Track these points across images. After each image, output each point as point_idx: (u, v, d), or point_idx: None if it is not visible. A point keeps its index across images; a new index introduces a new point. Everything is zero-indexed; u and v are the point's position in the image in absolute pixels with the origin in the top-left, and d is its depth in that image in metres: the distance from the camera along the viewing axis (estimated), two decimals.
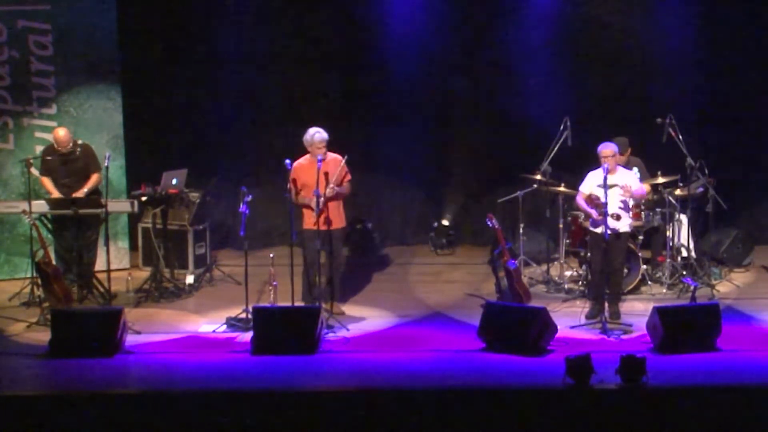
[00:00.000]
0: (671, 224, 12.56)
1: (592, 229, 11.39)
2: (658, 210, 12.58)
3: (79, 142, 12.49)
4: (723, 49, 14.18)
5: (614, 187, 11.17)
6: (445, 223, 14.88)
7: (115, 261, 12.53)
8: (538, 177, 12.71)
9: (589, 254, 11.71)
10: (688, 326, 10.30)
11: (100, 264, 12.39)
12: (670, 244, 12.55)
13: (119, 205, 12.56)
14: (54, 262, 12.03)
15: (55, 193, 12.29)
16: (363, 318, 11.64)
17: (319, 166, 11.11)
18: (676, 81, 14.19)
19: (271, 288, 11.53)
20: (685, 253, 12.79)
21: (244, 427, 9.09)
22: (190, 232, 13.35)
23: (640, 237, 12.54)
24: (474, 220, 14.73)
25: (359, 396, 9.34)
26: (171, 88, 14.46)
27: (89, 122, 13.43)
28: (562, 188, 12.61)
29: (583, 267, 12.43)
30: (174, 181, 12.80)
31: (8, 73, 13.27)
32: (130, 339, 10.70)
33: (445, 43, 14.59)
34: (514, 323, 10.40)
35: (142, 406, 9.24)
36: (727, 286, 12.69)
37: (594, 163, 11.43)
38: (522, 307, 11.07)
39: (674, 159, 12.58)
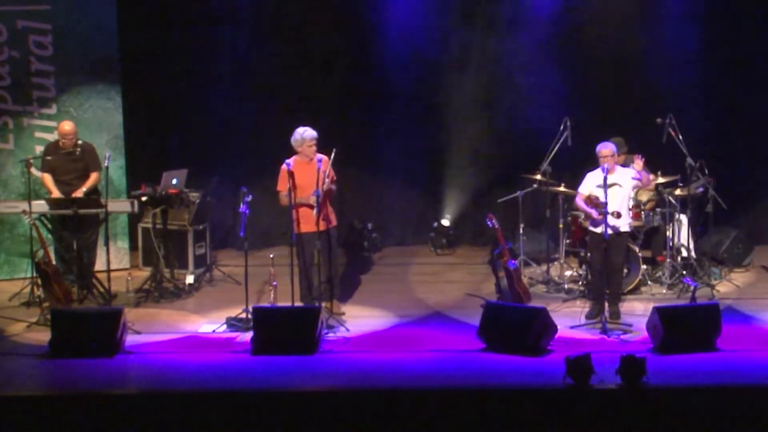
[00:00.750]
0: (671, 224, 12.56)
1: (591, 229, 11.40)
2: (658, 210, 12.58)
3: (80, 141, 12.49)
4: (723, 48, 14.19)
5: (614, 187, 11.17)
6: (445, 223, 14.88)
7: (115, 261, 12.53)
8: (538, 177, 12.71)
9: (588, 254, 11.71)
10: (688, 326, 10.30)
11: (100, 264, 12.39)
12: (670, 244, 12.55)
13: (119, 205, 12.56)
14: (54, 262, 12.04)
15: (56, 192, 12.30)
16: (363, 318, 11.63)
17: (319, 166, 11.10)
18: (676, 80, 14.19)
19: (271, 288, 11.53)
20: (685, 253, 12.79)
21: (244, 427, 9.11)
22: (190, 232, 13.35)
23: (640, 237, 12.54)
24: (474, 220, 14.74)
25: (359, 396, 9.33)
26: (171, 88, 14.46)
27: (89, 122, 13.43)
28: (562, 188, 12.62)
29: (583, 267, 12.43)
30: (174, 181, 12.80)
31: (8, 73, 13.27)
32: (130, 339, 10.70)
33: (445, 43, 14.58)
34: (514, 323, 10.40)
35: (142, 406, 9.23)
36: (727, 286, 12.69)
37: (593, 163, 11.43)
38: (522, 307, 11.07)
39: (674, 159, 12.58)
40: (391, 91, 14.70)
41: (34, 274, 11.94)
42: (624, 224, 11.34)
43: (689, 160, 12.44)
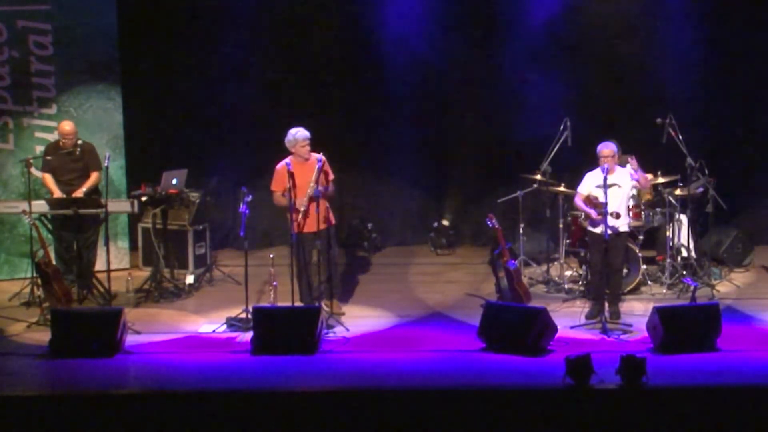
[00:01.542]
0: (671, 224, 12.56)
1: (591, 229, 11.39)
2: (658, 210, 12.58)
3: (80, 141, 12.49)
4: (723, 48, 14.18)
5: (613, 187, 11.17)
6: (445, 223, 14.88)
7: (115, 261, 12.52)
8: (538, 177, 12.71)
9: (588, 254, 11.71)
10: (688, 326, 10.30)
11: (100, 264, 12.39)
12: (670, 244, 12.55)
13: (119, 205, 12.56)
14: (54, 262, 12.03)
15: (56, 191, 12.30)
16: (363, 318, 11.63)
17: (319, 166, 11.09)
18: (676, 81, 14.18)
19: (271, 288, 11.54)
20: (685, 253, 12.79)
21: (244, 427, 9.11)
22: (190, 232, 13.35)
23: (640, 237, 12.55)
24: (474, 220, 14.74)
25: (359, 396, 9.33)
26: (171, 87, 14.45)
27: (89, 122, 13.43)
28: (562, 188, 12.62)
29: (583, 267, 12.43)
30: (174, 181, 12.80)
31: (8, 73, 13.27)
32: (130, 339, 10.70)
33: (445, 43, 14.58)
34: (514, 323, 10.40)
35: (142, 406, 9.23)
36: (727, 286, 12.69)
37: (593, 163, 11.43)
38: (522, 307, 11.07)
39: (674, 159, 12.58)
40: (391, 91, 14.69)
41: (34, 274, 11.94)
42: (623, 224, 11.34)
43: (689, 160, 12.44)
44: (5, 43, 13.20)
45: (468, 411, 9.10)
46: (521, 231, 12.99)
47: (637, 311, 11.58)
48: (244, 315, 11.17)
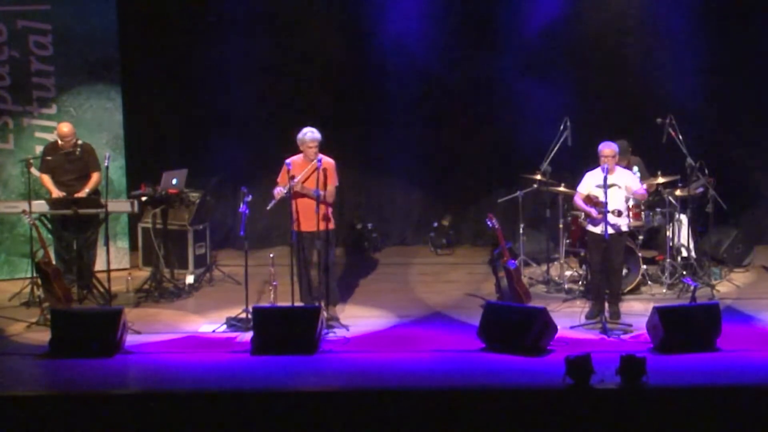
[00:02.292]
0: (671, 224, 12.56)
1: (590, 229, 11.39)
2: (658, 210, 12.58)
3: (80, 141, 12.49)
4: (723, 48, 14.19)
5: (613, 187, 11.16)
6: (445, 223, 14.88)
7: (115, 261, 12.52)
8: (538, 177, 12.71)
9: (587, 254, 11.71)
10: (688, 326, 10.30)
11: (100, 264, 12.39)
12: (670, 244, 12.55)
13: (119, 205, 12.56)
14: (54, 262, 12.03)
15: (55, 192, 12.30)
16: (363, 318, 11.63)
17: (319, 166, 11.08)
18: (676, 81, 14.18)
19: (271, 288, 11.53)
20: (685, 253, 12.79)
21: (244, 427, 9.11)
22: (190, 232, 13.35)
23: (640, 237, 12.55)
24: (474, 220, 14.74)
25: (359, 396, 9.33)
26: (171, 87, 14.46)
27: (89, 122, 13.43)
28: (562, 188, 12.61)
29: (583, 267, 12.43)
30: (174, 181, 12.80)
31: (8, 73, 13.27)
32: (130, 339, 10.70)
33: (445, 43, 14.59)
34: (514, 323, 10.40)
35: (142, 406, 9.22)
36: (727, 286, 12.70)
37: (593, 163, 11.43)
38: (522, 307, 11.06)
39: (674, 159, 12.59)
40: (392, 91, 14.70)
41: (34, 274, 11.94)
42: (623, 224, 11.34)
43: (689, 160, 12.44)
44: (5, 43, 13.21)
45: (468, 411, 9.10)
46: (521, 231, 12.99)
47: (637, 311, 11.58)
48: (244, 315, 11.17)
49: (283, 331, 10.45)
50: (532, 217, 13.52)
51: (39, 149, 12.98)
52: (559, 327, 10.53)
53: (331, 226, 11.36)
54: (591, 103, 14.24)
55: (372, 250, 14.74)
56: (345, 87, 14.71)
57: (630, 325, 11.03)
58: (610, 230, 11.01)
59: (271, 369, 10.00)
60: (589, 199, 11.30)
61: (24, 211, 11.86)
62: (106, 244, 11.91)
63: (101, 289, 12.10)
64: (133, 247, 13.86)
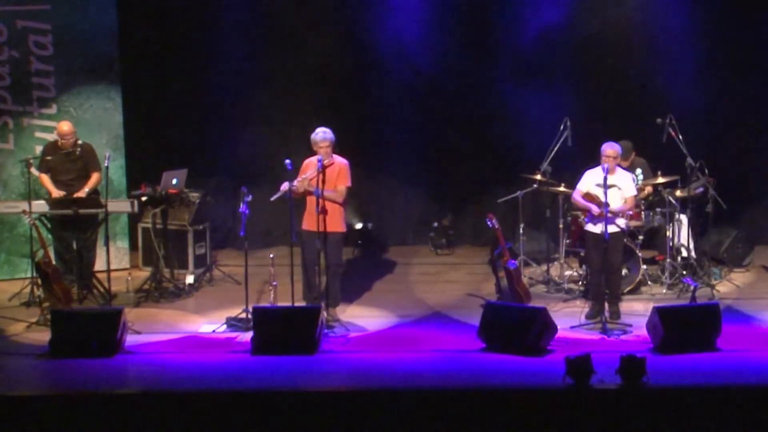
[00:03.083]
0: (671, 224, 12.56)
1: (589, 229, 11.37)
2: (658, 210, 12.58)
3: (80, 141, 12.49)
4: (723, 48, 14.19)
5: (612, 188, 11.15)
6: (445, 223, 14.88)
7: (115, 261, 12.53)
8: (538, 177, 12.72)
9: (586, 254, 11.71)
10: (688, 326, 10.29)
11: (100, 264, 12.39)
12: (670, 244, 12.55)
13: (119, 205, 12.56)
14: (54, 262, 12.03)
15: (54, 191, 12.30)
16: (363, 318, 11.63)
17: (319, 166, 11.08)
18: (677, 81, 14.18)
19: (271, 288, 11.53)
20: (685, 253, 12.79)
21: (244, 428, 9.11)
22: (190, 232, 13.35)
23: (640, 237, 12.54)
24: (474, 220, 14.74)
25: (359, 396, 9.33)
26: (171, 88, 14.46)
27: (89, 122, 13.43)
28: (562, 188, 12.62)
29: (583, 267, 12.43)
30: (174, 181, 12.80)
31: (8, 73, 13.27)
32: (130, 339, 10.69)
33: (445, 44, 14.59)
34: (514, 323, 10.40)
35: (142, 406, 9.22)
36: (727, 286, 12.70)
37: (593, 163, 11.42)
38: (522, 307, 11.07)
39: (674, 159, 12.58)
40: (392, 91, 14.70)
41: (34, 274, 11.94)
42: (621, 224, 11.34)
43: (689, 160, 12.44)
44: (5, 43, 13.21)
45: (468, 411, 9.10)
46: (521, 231, 12.99)
47: (637, 311, 11.58)
48: (244, 315, 11.16)
49: (283, 331, 10.45)
50: (532, 217, 13.51)
51: (39, 149, 12.98)
52: (559, 327, 10.53)
53: (340, 228, 11.34)
54: (591, 103, 14.24)
55: (372, 250, 14.73)
56: (345, 87, 14.70)
57: (630, 325, 11.03)
58: (610, 230, 11.01)
59: (271, 369, 10.00)
60: (589, 197, 11.29)
61: (24, 211, 11.86)
62: (106, 244, 11.90)
63: (101, 289, 12.09)
64: (133, 247, 13.86)
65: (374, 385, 9.61)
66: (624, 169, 11.75)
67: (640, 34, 14.33)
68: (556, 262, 12.95)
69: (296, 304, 11.19)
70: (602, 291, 11.31)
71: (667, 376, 9.47)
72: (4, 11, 13.13)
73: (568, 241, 12.75)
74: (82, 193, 12.24)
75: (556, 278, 12.72)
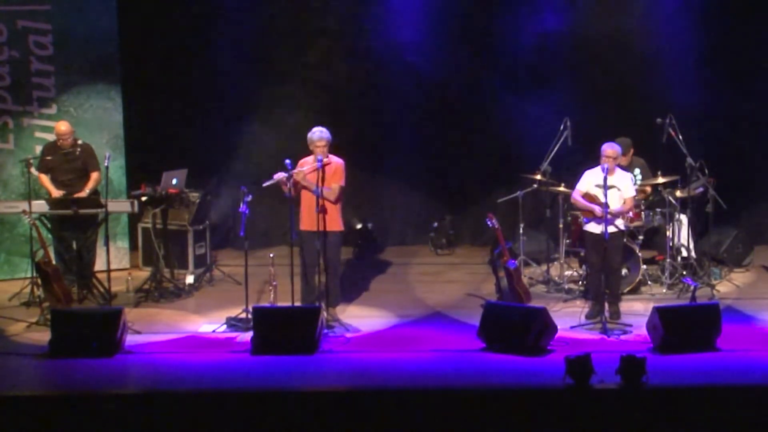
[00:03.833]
0: (671, 224, 12.56)
1: (589, 229, 11.37)
2: (658, 210, 12.57)
3: (80, 141, 12.50)
4: (723, 48, 14.18)
5: (612, 189, 11.15)
6: (445, 223, 14.87)
7: (115, 261, 12.52)
8: (538, 177, 12.71)
9: (586, 255, 11.70)
10: (688, 326, 10.30)
11: (100, 264, 12.39)
12: (670, 244, 12.55)
13: (119, 205, 12.56)
14: (54, 262, 12.03)
15: (53, 191, 12.30)
16: (363, 318, 11.63)
17: (319, 165, 11.08)
18: (676, 81, 14.18)
19: (271, 288, 11.53)
20: (685, 253, 12.78)
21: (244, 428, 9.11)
22: (190, 232, 13.35)
23: (640, 237, 12.54)
24: (474, 220, 14.73)
25: (359, 396, 9.33)
26: (171, 88, 14.45)
27: (89, 122, 13.43)
28: (562, 188, 12.61)
29: (583, 267, 12.43)
30: (174, 181, 12.80)
31: (8, 73, 13.27)
32: (130, 339, 10.70)
33: (445, 44, 14.58)
34: (514, 323, 10.40)
35: (142, 406, 9.23)
36: (727, 286, 12.70)
37: (593, 162, 11.42)
38: (522, 307, 11.07)
39: (674, 159, 12.58)
40: (392, 91, 14.69)
41: (34, 274, 11.94)
42: (620, 224, 11.33)
43: (689, 160, 12.44)
44: (5, 43, 13.21)
45: (468, 411, 9.10)
46: (521, 231, 12.99)
47: (637, 311, 11.58)
48: (244, 315, 11.17)
49: (283, 331, 10.45)
50: (532, 217, 13.51)
51: (39, 149, 12.97)
52: (559, 327, 10.53)
53: (337, 227, 11.33)
54: (591, 103, 14.23)
55: (372, 250, 14.73)
56: (345, 87, 14.69)
57: (630, 325, 11.02)
58: (609, 230, 11.01)
59: (271, 369, 10.00)
60: (589, 197, 11.29)
61: (24, 211, 11.86)
62: (106, 244, 11.90)
63: (101, 289, 12.09)
64: (133, 247, 13.85)
65: (374, 385, 9.62)
66: (623, 168, 11.74)
67: (640, 35, 14.30)
68: (556, 262, 12.95)
69: (296, 304, 11.19)
70: (602, 291, 11.31)
71: (667, 376, 9.47)
72: (4, 11, 13.12)
73: (568, 241, 12.75)
74: (82, 194, 12.25)
75: (556, 278, 12.72)
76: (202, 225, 13.49)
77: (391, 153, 14.87)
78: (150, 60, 14.31)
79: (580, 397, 9.19)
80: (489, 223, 12.00)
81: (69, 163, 12.37)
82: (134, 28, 13.98)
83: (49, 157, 12.40)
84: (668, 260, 12.47)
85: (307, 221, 11.27)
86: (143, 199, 12.59)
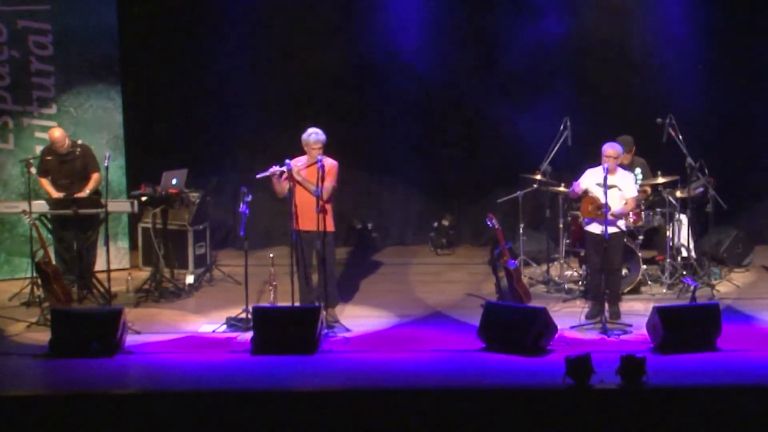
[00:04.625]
0: (671, 224, 12.56)
1: (589, 229, 11.36)
2: (658, 210, 12.58)
3: (79, 142, 12.50)
4: (723, 48, 14.19)
5: (612, 189, 11.14)
6: (445, 223, 14.87)
7: (115, 261, 12.52)
8: (538, 177, 12.71)
9: (586, 255, 11.70)
10: (688, 326, 10.29)
11: (100, 264, 12.39)
12: (670, 244, 12.55)
13: (119, 205, 12.56)
14: (54, 262, 12.03)
15: (54, 194, 12.29)
16: (363, 318, 11.63)
17: (319, 166, 11.07)
18: (676, 81, 14.18)
19: (271, 288, 11.53)
20: (685, 253, 12.79)
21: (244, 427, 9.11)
22: (190, 232, 13.35)
23: (640, 237, 12.54)
24: (474, 220, 14.74)
25: (359, 396, 9.33)
26: (171, 87, 14.46)
27: (89, 122, 13.43)
28: (562, 188, 12.61)
29: (583, 267, 12.43)
30: (174, 181, 12.80)
31: (8, 73, 13.27)
32: (130, 339, 10.70)
33: (445, 44, 14.58)
34: (514, 323, 10.40)
35: (142, 406, 9.23)
36: (727, 286, 12.70)
37: (593, 162, 11.42)
38: (522, 307, 11.07)
39: (674, 159, 12.58)
40: (392, 91, 14.69)
41: (34, 274, 11.94)
42: (620, 223, 11.33)
43: (689, 160, 12.44)
44: (5, 43, 13.21)
45: (468, 411, 9.10)
46: (521, 231, 12.99)
47: (637, 311, 11.58)
48: (244, 315, 11.17)
49: (283, 331, 10.45)
50: (532, 217, 13.51)
51: (39, 149, 12.96)
52: (559, 327, 10.53)
53: (330, 228, 11.33)
54: (591, 103, 14.24)
55: (372, 250, 14.73)
56: (345, 87, 14.69)
57: (630, 325, 11.02)
58: (610, 230, 11.01)
59: (271, 369, 10.00)
60: (590, 201, 11.25)
61: (24, 211, 11.86)
62: (106, 244, 11.90)
63: (101, 289, 12.10)
64: (133, 247, 13.86)
65: (374, 385, 9.61)
66: (625, 168, 11.74)
67: (640, 35, 14.31)
68: (556, 262, 12.95)
69: (296, 304, 11.19)
70: (602, 291, 11.31)
71: (667, 376, 9.47)
72: (4, 11, 13.13)
73: (568, 241, 12.75)
74: (82, 194, 12.24)
75: (556, 278, 12.72)
76: (202, 225, 13.49)
77: (391, 153, 14.87)
78: (150, 60, 14.31)
79: (580, 397, 9.19)
80: (489, 223, 12.00)
81: (68, 165, 12.35)
82: (134, 28, 13.99)
83: (48, 158, 12.38)
84: (668, 260, 12.47)
85: (305, 221, 11.25)
86: (143, 199, 12.59)
